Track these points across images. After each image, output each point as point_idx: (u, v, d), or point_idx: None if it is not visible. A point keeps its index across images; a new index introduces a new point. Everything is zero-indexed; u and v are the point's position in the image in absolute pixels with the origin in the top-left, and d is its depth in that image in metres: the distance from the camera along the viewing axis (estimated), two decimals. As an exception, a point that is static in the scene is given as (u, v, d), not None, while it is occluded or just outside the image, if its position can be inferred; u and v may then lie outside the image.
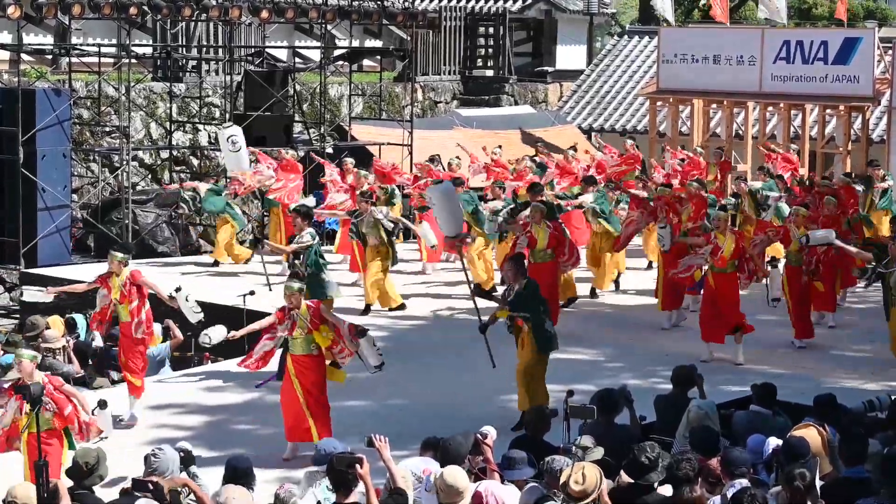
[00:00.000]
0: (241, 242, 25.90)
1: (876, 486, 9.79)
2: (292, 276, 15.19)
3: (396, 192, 24.50)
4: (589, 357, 18.64)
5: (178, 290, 16.67)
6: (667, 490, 10.01)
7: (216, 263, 24.90)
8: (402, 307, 21.18)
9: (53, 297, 18.24)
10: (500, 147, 27.59)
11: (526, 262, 17.89)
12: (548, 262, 19.37)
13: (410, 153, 28.72)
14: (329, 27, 31.58)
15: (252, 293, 19.27)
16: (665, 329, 20.41)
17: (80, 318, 19.71)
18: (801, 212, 20.02)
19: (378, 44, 38.36)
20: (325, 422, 14.37)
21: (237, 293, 19.61)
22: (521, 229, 19.63)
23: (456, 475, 9.69)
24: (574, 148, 27.87)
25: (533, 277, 17.57)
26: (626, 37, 39.39)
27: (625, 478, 10.42)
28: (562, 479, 9.47)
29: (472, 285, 17.19)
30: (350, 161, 25.29)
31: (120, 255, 16.02)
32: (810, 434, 10.95)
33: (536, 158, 27.56)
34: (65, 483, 10.30)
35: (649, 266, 24.54)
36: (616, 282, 23.11)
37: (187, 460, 11.20)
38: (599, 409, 11.85)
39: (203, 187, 25.02)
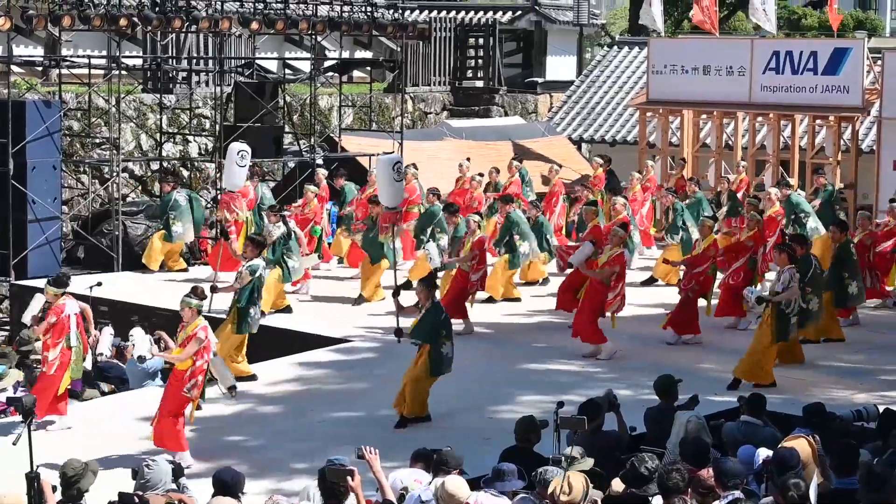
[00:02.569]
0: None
1: (861, 494, 9.86)
2: (193, 291, 15.12)
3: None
4: (578, 368, 18.65)
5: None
6: (657, 500, 10.04)
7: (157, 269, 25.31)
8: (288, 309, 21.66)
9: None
10: (468, 159, 27.52)
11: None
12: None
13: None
14: (319, 38, 31.58)
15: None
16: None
17: None
18: (707, 223, 20.75)
19: (368, 55, 38.42)
20: (164, 437, 14.67)
21: (227, 305, 19.58)
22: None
23: (458, 485, 9.77)
24: (559, 165, 27.97)
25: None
26: (615, 47, 39.41)
27: (615, 486, 10.45)
28: (549, 490, 9.53)
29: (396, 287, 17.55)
30: (322, 172, 25.36)
31: (53, 289, 16.04)
32: (801, 445, 10.99)
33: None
34: (50, 483, 10.35)
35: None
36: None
37: (177, 472, 11.20)
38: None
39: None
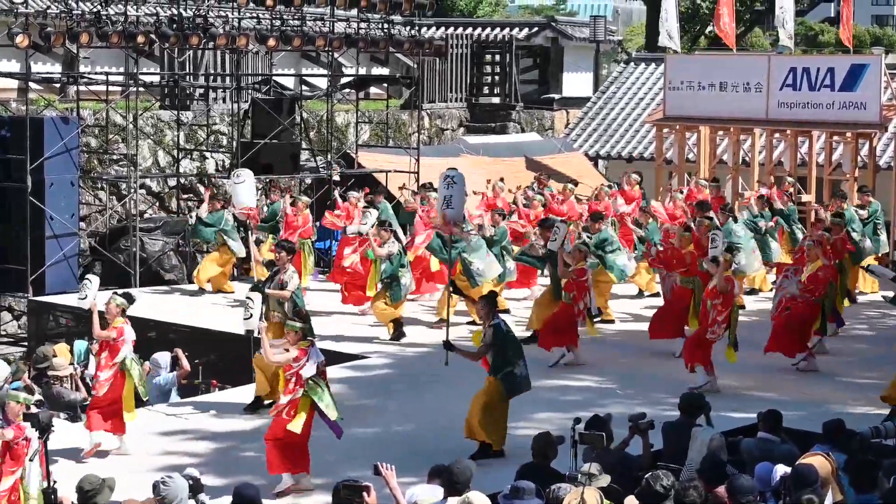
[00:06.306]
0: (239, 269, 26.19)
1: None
2: (297, 314, 15.07)
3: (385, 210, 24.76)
4: (595, 384, 18.62)
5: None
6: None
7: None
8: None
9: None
10: (502, 180, 27.38)
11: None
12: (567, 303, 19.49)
13: (417, 180, 28.77)
14: (336, 55, 31.66)
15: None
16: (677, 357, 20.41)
17: (82, 345, 19.76)
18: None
19: (385, 71, 38.48)
20: (284, 462, 14.27)
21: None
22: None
23: (481, 501, 9.75)
24: (574, 182, 27.90)
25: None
26: (632, 64, 39.44)
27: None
28: None
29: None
30: (354, 195, 25.25)
31: (120, 299, 15.63)
32: (818, 462, 10.95)
33: (535, 187, 27.45)
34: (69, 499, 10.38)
35: (639, 294, 24.73)
36: None
37: (196, 488, 11.20)
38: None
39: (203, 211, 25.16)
